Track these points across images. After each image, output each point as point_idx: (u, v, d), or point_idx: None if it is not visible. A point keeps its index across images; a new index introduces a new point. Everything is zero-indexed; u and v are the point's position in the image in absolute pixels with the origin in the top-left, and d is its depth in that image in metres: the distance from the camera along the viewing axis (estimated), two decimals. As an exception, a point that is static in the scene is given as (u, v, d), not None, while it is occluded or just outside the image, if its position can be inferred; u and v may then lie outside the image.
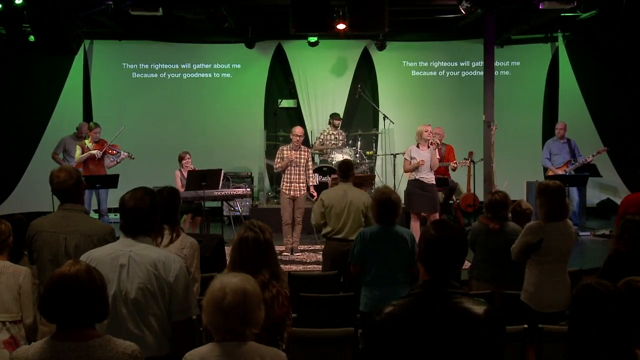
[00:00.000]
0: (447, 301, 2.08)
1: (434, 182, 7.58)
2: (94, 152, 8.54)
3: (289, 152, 7.94)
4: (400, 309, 2.10)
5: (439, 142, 7.73)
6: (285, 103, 11.24)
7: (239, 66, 11.22)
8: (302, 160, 7.93)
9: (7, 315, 3.53)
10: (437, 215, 7.54)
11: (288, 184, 7.91)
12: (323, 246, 5.92)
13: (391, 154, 9.88)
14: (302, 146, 8.03)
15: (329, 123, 10.33)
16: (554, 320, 3.90)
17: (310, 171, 8.04)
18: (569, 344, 2.04)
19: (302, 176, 7.92)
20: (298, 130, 8.02)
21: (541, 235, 4.17)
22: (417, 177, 7.47)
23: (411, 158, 7.48)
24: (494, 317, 2.08)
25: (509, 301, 4.47)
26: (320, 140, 10.22)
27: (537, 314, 4.09)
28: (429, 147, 7.47)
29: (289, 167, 7.89)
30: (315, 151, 10.17)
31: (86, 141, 8.66)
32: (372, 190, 9.54)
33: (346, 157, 9.72)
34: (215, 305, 2.22)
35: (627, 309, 2.08)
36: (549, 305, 4.13)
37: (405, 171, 7.80)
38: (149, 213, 2.85)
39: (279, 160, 8.00)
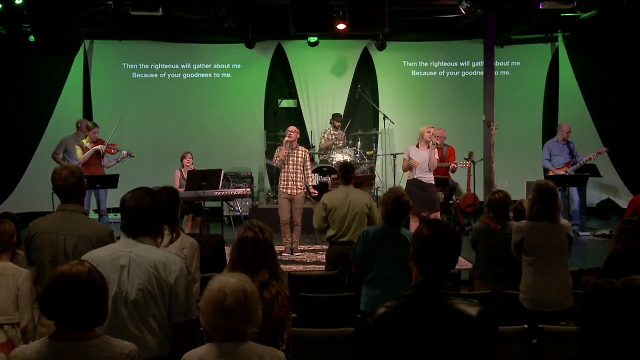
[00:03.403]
0: (440, 302, 2.07)
1: (432, 182, 7.59)
2: (98, 147, 8.49)
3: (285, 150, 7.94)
4: (393, 310, 2.08)
5: (437, 142, 7.77)
6: (285, 103, 11.24)
7: (239, 66, 11.21)
8: (300, 160, 7.91)
9: (5, 318, 3.53)
10: (438, 214, 7.56)
11: (285, 182, 7.88)
12: (323, 246, 5.90)
13: (391, 154, 9.87)
14: (299, 146, 8.01)
15: (330, 123, 10.34)
16: (551, 320, 3.87)
17: (309, 171, 7.99)
18: (580, 345, 2.01)
19: (299, 175, 7.86)
20: (291, 127, 8.06)
21: (522, 234, 4.20)
22: (415, 177, 7.52)
23: (409, 158, 7.53)
24: (488, 318, 2.07)
25: (509, 301, 4.47)
26: (325, 138, 10.26)
27: (533, 314, 4.08)
28: (428, 147, 7.50)
29: (285, 166, 7.86)
30: (322, 149, 10.20)
31: (84, 141, 8.62)
32: (372, 191, 9.56)
33: (346, 157, 9.74)
34: (216, 307, 2.22)
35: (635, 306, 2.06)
36: (543, 305, 4.12)
37: (402, 170, 7.88)
38: (150, 213, 2.84)
39: (276, 156, 8.00)
